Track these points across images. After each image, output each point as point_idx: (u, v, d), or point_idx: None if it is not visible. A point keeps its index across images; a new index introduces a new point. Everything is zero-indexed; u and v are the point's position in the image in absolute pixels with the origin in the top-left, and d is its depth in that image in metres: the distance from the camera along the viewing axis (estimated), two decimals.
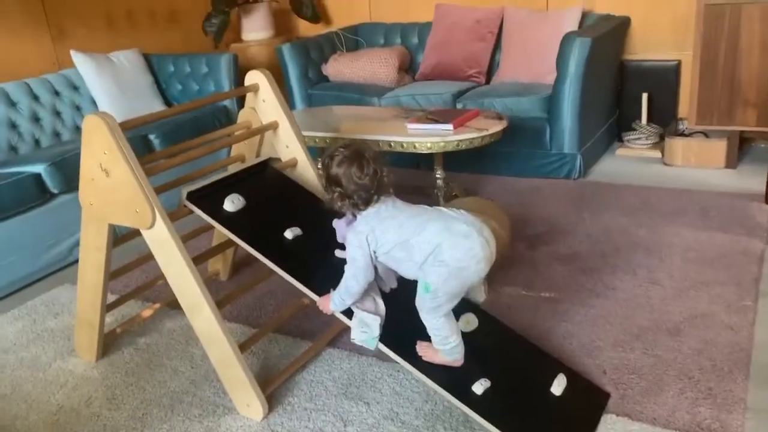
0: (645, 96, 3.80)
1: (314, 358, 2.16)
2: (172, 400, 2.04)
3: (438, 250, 1.63)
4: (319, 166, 1.81)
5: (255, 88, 2.26)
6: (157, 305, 2.48)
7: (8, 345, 2.44)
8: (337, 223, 1.92)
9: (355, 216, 1.77)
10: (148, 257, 2.19)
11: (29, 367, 2.28)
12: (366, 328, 1.79)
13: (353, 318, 1.79)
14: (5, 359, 2.35)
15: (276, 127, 2.28)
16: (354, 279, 1.72)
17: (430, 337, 1.77)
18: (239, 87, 3.89)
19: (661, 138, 3.77)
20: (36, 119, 3.51)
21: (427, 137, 2.82)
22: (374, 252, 1.70)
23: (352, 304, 1.78)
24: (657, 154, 3.73)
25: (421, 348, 1.80)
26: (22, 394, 2.14)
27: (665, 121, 3.84)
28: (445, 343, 1.74)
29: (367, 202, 1.69)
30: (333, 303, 1.79)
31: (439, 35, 4.18)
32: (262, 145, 2.38)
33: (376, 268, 1.76)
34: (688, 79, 3.78)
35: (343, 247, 1.85)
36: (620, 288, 2.42)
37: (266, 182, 2.21)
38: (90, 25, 4.03)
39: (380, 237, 1.68)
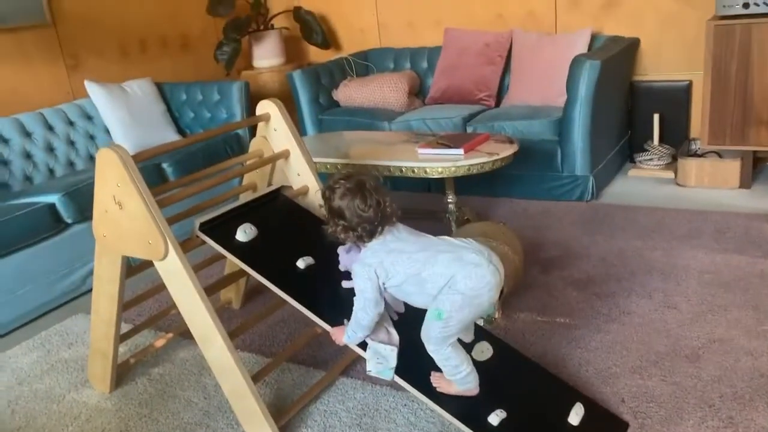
0: (656, 117, 3.79)
1: (327, 388, 2.14)
2: (186, 431, 2.03)
3: (452, 281, 1.62)
4: (319, 198, 1.80)
5: (266, 118, 2.27)
6: (170, 335, 2.47)
7: (23, 376, 2.44)
8: (340, 251, 1.93)
9: (350, 248, 1.76)
10: (161, 287, 2.20)
11: (43, 399, 2.28)
12: (381, 359, 1.77)
13: (367, 350, 1.78)
14: (20, 391, 2.35)
15: (287, 156, 2.29)
16: (363, 312, 1.71)
17: None
18: (251, 114, 3.97)
19: (674, 158, 3.75)
20: (50, 149, 3.55)
21: (438, 162, 2.82)
22: (383, 284, 1.68)
23: (364, 336, 1.77)
24: (670, 174, 3.71)
25: (435, 379, 1.78)
26: (36, 427, 2.14)
27: (677, 141, 3.82)
28: (456, 372, 1.72)
29: (371, 234, 1.68)
30: (346, 336, 1.78)
31: (449, 59, 4.20)
32: (273, 173, 2.39)
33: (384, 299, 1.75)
34: (699, 99, 3.76)
35: (347, 276, 1.84)
36: (636, 313, 2.39)
37: (278, 211, 2.21)
38: (103, 55, 4.09)
39: (390, 269, 1.66)
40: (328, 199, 1.71)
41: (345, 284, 1.92)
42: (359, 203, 1.65)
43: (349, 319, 1.78)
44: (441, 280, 1.63)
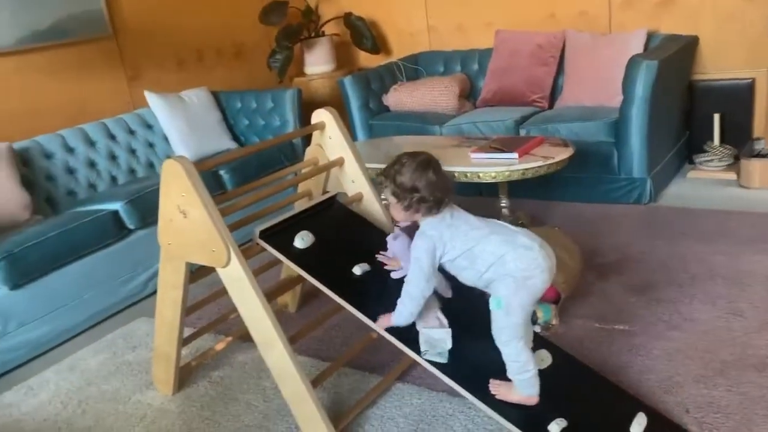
0: (717, 116, 3.68)
1: (384, 393, 2.16)
2: None
3: (501, 261, 1.68)
4: (379, 178, 1.85)
5: (321, 126, 2.31)
6: (230, 338, 2.53)
7: (91, 377, 2.54)
8: (388, 240, 2.00)
9: (407, 233, 1.86)
10: (220, 293, 2.26)
11: (110, 400, 2.37)
12: (435, 343, 1.82)
13: (420, 337, 1.82)
14: (89, 391, 2.44)
15: (342, 163, 2.32)
16: (416, 281, 1.76)
17: (503, 374, 1.75)
18: (303, 121, 4.03)
19: (736, 159, 3.62)
20: (113, 157, 3.68)
21: (492, 167, 2.81)
22: (440, 257, 1.75)
23: (412, 313, 1.80)
24: (732, 176, 3.59)
25: (494, 386, 1.78)
26: (105, 426, 2.22)
27: (739, 141, 3.69)
28: (523, 371, 1.71)
29: (439, 205, 1.74)
30: (394, 315, 1.82)
31: (500, 61, 4.17)
32: (328, 180, 2.42)
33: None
34: (763, 97, 3.65)
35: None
36: (699, 320, 2.32)
37: (334, 218, 2.24)
38: (162, 65, 4.22)
39: (447, 243, 1.73)
40: (397, 173, 1.75)
41: (394, 275, 1.99)
42: (432, 175, 1.73)
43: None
44: (491, 257, 1.69)
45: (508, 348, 1.72)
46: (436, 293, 1.90)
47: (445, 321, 1.88)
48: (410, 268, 1.78)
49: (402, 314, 1.81)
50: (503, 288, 1.68)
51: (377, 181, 1.90)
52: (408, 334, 1.85)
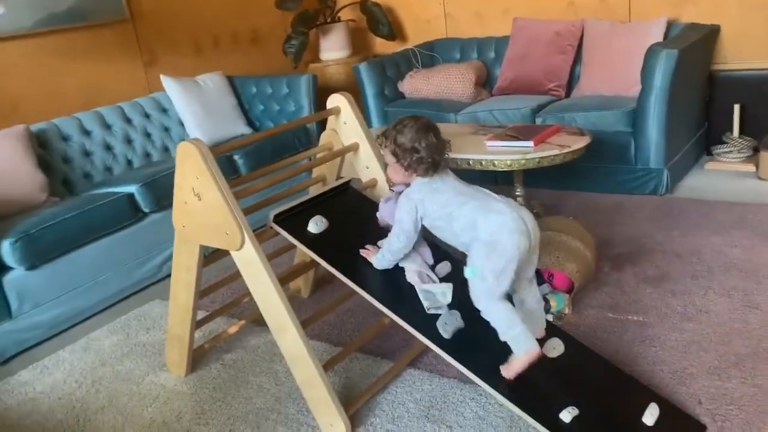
0: (737, 107, 3.62)
1: (395, 379, 2.16)
2: (258, 417, 2.09)
3: (473, 225, 1.76)
4: (379, 140, 1.95)
5: (337, 111, 2.30)
6: (243, 322, 2.55)
7: (105, 358, 2.57)
8: (381, 205, 2.08)
9: (388, 199, 1.99)
10: (233, 276, 2.28)
11: (124, 380, 2.40)
12: (435, 298, 1.89)
13: (419, 293, 1.90)
14: (103, 371, 2.47)
15: (356, 149, 2.32)
16: (396, 238, 1.89)
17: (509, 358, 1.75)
18: (318, 106, 4.02)
19: (755, 151, 3.57)
20: (128, 141, 3.70)
21: (507, 155, 2.79)
22: (421, 218, 1.86)
23: (391, 262, 1.94)
24: (751, 167, 3.54)
25: (503, 370, 1.77)
26: (118, 406, 2.25)
27: (759, 133, 3.63)
28: (509, 329, 1.74)
29: (436, 166, 1.84)
30: (376, 258, 1.96)
31: (518, 49, 4.13)
32: (342, 166, 2.42)
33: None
34: None
35: (373, 228, 2.06)
36: (714, 312, 2.30)
37: (348, 203, 2.23)
38: (178, 50, 4.22)
39: (428, 207, 1.84)
40: (399, 133, 1.85)
41: (381, 243, 2.02)
42: (432, 137, 1.83)
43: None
44: (465, 221, 1.78)
45: (488, 313, 1.77)
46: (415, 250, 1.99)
47: (436, 278, 1.97)
48: (394, 225, 1.90)
49: (381, 262, 1.96)
50: (475, 256, 1.75)
51: (378, 141, 1.98)
52: (420, 320, 1.85)
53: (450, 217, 1.81)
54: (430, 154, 1.81)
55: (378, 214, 2.10)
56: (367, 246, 2.02)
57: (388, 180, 2.03)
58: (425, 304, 1.88)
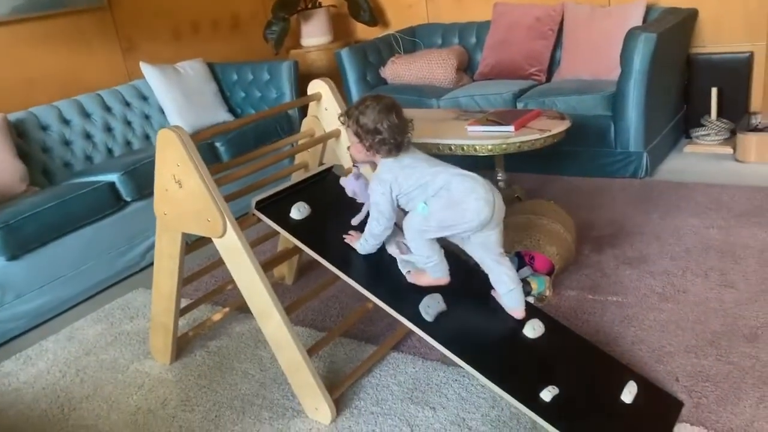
0: (715, 90, 3.67)
1: (379, 362, 2.19)
2: (243, 402, 2.10)
3: (448, 185, 1.80)
4: (341, 118, 1.95)
5: (318, 97, 2.30)
6: (227, 309, 2.55)
7: (89, 347, 2.56)
8: (344, 181, 2.10)
9: (359, 176, 2.03)
10: (217, 264, 2.28)
11: (109, 369, 2.40)
12: (412, 265, 1.97)
13: (399, 262, 1.98)
14: (87, 361, 2.47)
15: (338, 135, 2.32)
16: (376, 222, 1.90)
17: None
18: (300, 93, 4.01)
19: (733, 133, 3.62)
20: (108, 129, 3.67)
21: (488, 140, 2.80)
22: (396, 196, 1.86)
23: (374, 246, 1.96)
24: (728, 150, 3.59)
25: (411, 276, 1.94)
26: (103, 394, 2.25)
27: (736, 115, 3.69)
28: (427, 261, 1.89)
29: (399, 147, 1.85)
30: (359, 244, 1.97)
31: (498, 34, 4.14)
32: (324, 152, 2.42)
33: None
34: (761, 72, 3.63)
35: (355, 213, 2.07)
36: (691, 291, 2.34)
37: (330, 190, 2.24)
38: (157, 37, 4.18)
39: (402, 183, 1.84)
40: (361, 114, 1.84)
41: (353, 221, 2.08)
42: (394, 118, 1.83)
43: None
44: (440, 184, 1.81)
45: (412, 243, 1.88)
46: (396, 225, 2.00)
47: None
48: (371, 210, 1.91)
49: (364, 247, 1.97)
50: (435, 201, 1.81)
51: (340, 120, 1.98)
52: (403, 304, 1.87)
53: (424, 186, 1.83)
54: (392, 135, 1.82)
55: (347, 191, 2.13)
56: (350, 232, 2.04)
57: (351, 158, 2.03)
58: (405, 269, 1.96)
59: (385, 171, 1.87)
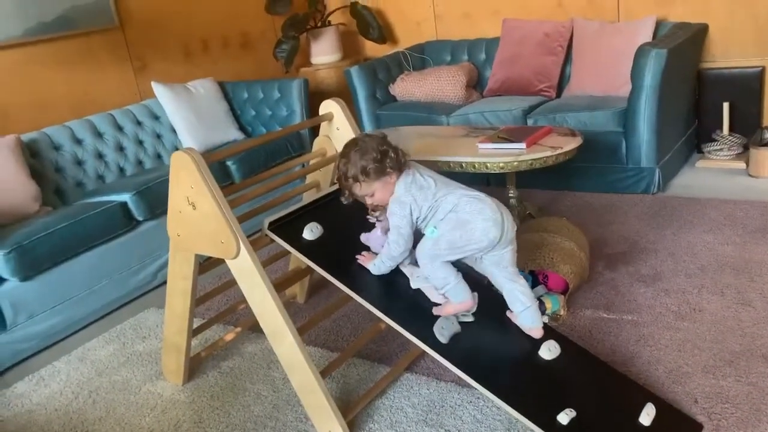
0: (726, 105, 3.65)
1: (393, 384, 2.17)
2: (256, 424, 2.09)
3: (455, 208, 1.82)
4: (342, 182, 1.93)
5: (329, 117, 2.30)
6: (239, 329, 2.55)
7: (102, 368, 2.56)
8: (365, 237, 2.07)
9: (387, 229, 1.95)
10: (229, 284, 2.28)
11: (121, 390, 2.39)
12: (423, 281, 1.95)
13: (414, 283, 1.96)
14: (99, 382, 2.46)
15: None
16: (396, 244, 1.89)
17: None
18: (310, 111, 4.03)
19: (745, 148, 3.60)
20: (120, 148, 3.69)
21: (499, 157, 2.79)
22: (417, 219, 1.86)
23: (390, 266, 1.95)
24: (741, 165, 3.57)
25: (436, 310, 1.89)
26: (116, 416, 2.24)
27: (749, 130, 3.67)
28: (444, 284, 1.86)
29: (398, 165, 1.86)
30: (374, 265, 1.95)
31: (508, 50, 4.15)
32: (336, 172, 2.42)
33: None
34: None
35: (367, 229, 2.07)
36: (708, 310, 2.32)
37: (343, 209, 2.23)
38: (168, 56, 4.21)
39: (422, 204, 1.85)
40: (358, 160, 1.84)
41: (363, 238, 2.07)
42: (372, 144, 1.84)
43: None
44: (449, 206, 1.83)
45: (426, 268, 1.87)
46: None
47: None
48: (390, 233, 1.90)
49: (380, 268, 1.95)
50: (444, 223, 1.82)
51: (342, 199, 1.96)
52: (416, 325, 1.85)
53: (436, 206, 1.85)
54: (384, 156, 1.83)
55: (372, 247, 2.07)
56: (363, 253, 2.03)
57: (371, 212, 2.00)
58: (415, 286, 1.94)
59: (403, 192, 1.85)
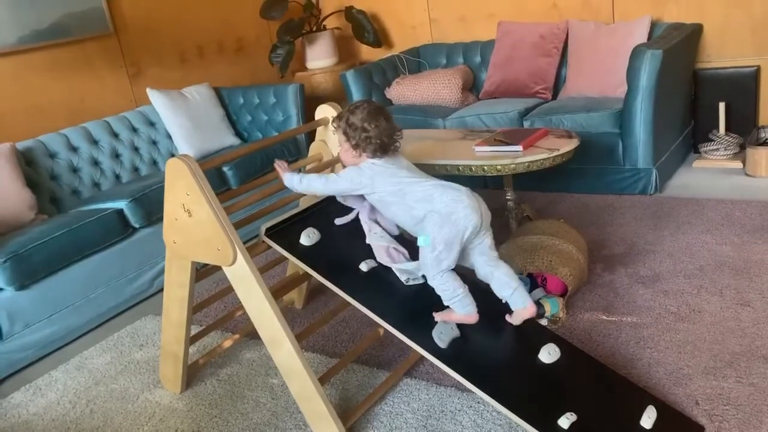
0: (722, 105, 3.65)
1: (392, 389, 2.16)
2: None
3: (429, 197, 1.85)
4: (334, 123, 2.04)
5: (325, 122, 2.30)
6: (237, 336, 2.53)
7: (99, 377, 2.54)
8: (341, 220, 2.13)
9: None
10: (226, 290, 2.27)
11: (119, 399, 2.37)
12: (411, 272, 1.97)
13: (397, 272, 1.98)
14: (97, 391, 2.45)
15: None
16: (323, 185, 1.98)
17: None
18: (306, 115, 4.01)
19: (742, 148, 3.60)
20: (116, 155, 3.67)
21: (496, 160, 2.78)
22: (366, 194, 1.96)
23: (299, 189, 2.02)
24: (738, 164, 3.57)
25: (437, 315, 1.88)
26: (114, 426, 2.22)
27: (745, 129, 3.66)
28: (453, 296, 1.85)
29: (384, 149, 1.93)
30: (291, 179, 2.02)
31: (503, 52, 4.15)
32: None
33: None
34: None
35: (342, 214, 2.13)
36: (707, 311, 2.31)
37: (339, 214, 2.22)
38: (163, 62, 4.20)
39: (378, 186, 1.91)
40: (351, 113, 1.94)
41: (338, 221, 2.12)
42: (383, 121, 1.92)
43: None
44: (420, 194, 1.87)
45: (435, 281, 1.86)
46: (384, 228, 2.07)
47: (404, 250, 2.03)
48: (334, 178, 1.97)
49: (291, 181, 2.02)
50: (430, 225, 1.83)
51: (333, 125, 2.07)
52: (415, 330, 1.84)
53: (402, 193, 1.89)
54: (379, 135, 1.90)
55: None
56: (278, 161, 2.10)
57: (342, 163, 2.08)
58: (403, 278, 1.97)
59: (368, 167, 1.93)
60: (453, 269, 1.88)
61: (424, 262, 1.87)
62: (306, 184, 2.00)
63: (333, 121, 2.07)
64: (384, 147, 1.93)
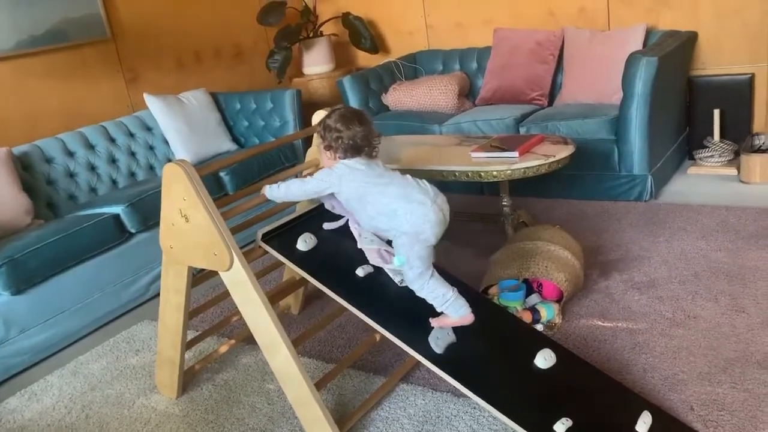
0: (717, 112, 3.67)
1: (388, 395, 2.16)
2: None
3: (393, 214, 1.86)
4: (318, 124, 2.05)
5: None
6: (233, 341, 2.53)
7: (95, 382, 2.54)
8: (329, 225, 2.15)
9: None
10: (222, 296, 2.27)
11: (114, 405, 2.37)
12: (401, 275, 1.95)
13: (388, 272, 2.00)
14: (92, 396, 2.44)
15: None
16: (299, 188, 1.99)
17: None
18: (303, 121, 4.02)
19: (736, 154, 3.63)
20: (113, 160, 3.68)
21: (493, 166, 2.80)
22: (334, 193, 1.98)
23: (280, 198, 2.04)
24: (732, 171, 3.59)
25: (434, 322, 1.89)
26: (109, 431, 2.22)
27: (739, 136, 3.69)
28: (443, 301, 1.86)
29: (357, 151, 1.95)
30: (271, 189, 2.04)
31: (499, 59, 4.17)
32: None
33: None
34: (763, 93, 3.65)
35: (330, 219, 2.15)
36: (702, 317, 2.32)
37: (336, 220, 2.23)
38: (160, 67, 4.21)
39: (344, 186, 1.94)
40: (325, 119, 1.99)
41: (326, 226, 2.13)
42: (357, 125, 1.94)
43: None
44: (382, 207, 1.88)
45: (423, 291, 1.87)
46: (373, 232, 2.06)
47: (391, 249, 2.01)
48: (308, 179, 1.99)
49: (274, 193, 2.04)
50: (401, 247, 1.85)
51: (317, 132, 2.08)
52: (411, 335, 1.85)
53: (364, 201, 1.91)
54: (351, 137, 1.92)
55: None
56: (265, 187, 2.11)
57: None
58: (396, 279, 1.99)
59: (339, 168, 1.94)
60: (438, 275, 1.88)
61: (407, 279, 1.88)
62: (284, 189, 2.02)
63: (317, 124, 2.10)
64: (356, 148, 1.95)
